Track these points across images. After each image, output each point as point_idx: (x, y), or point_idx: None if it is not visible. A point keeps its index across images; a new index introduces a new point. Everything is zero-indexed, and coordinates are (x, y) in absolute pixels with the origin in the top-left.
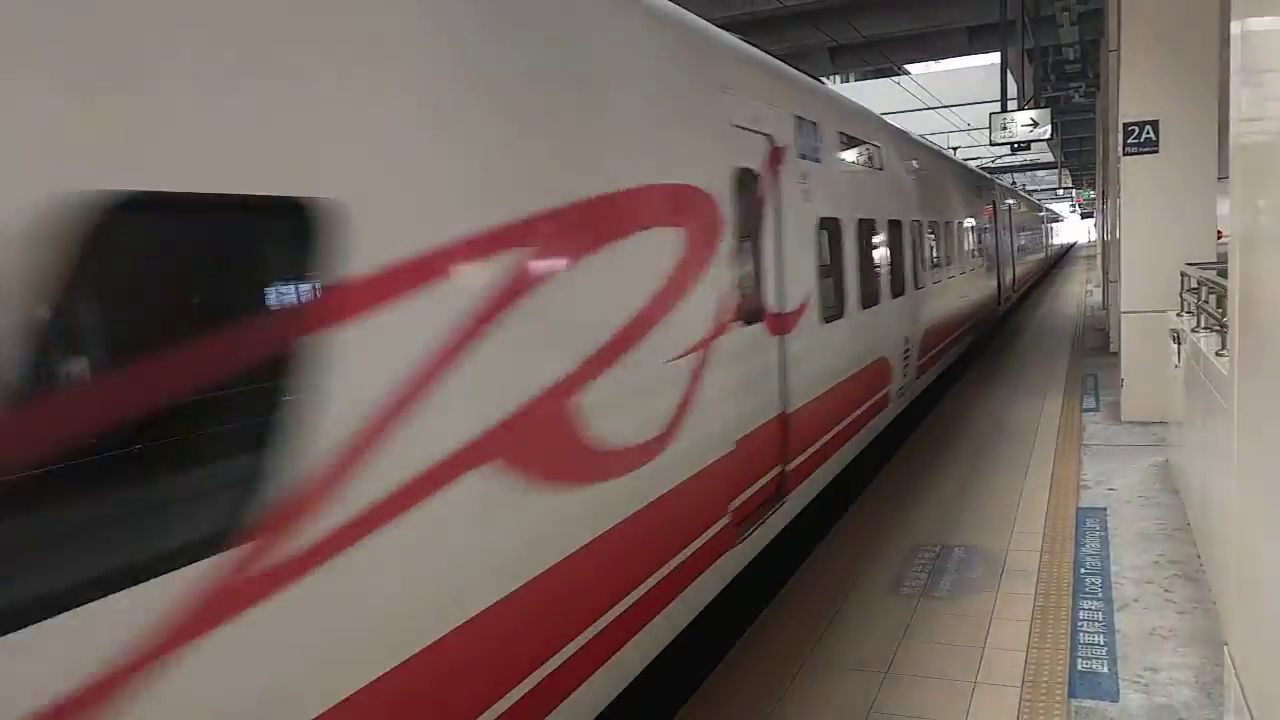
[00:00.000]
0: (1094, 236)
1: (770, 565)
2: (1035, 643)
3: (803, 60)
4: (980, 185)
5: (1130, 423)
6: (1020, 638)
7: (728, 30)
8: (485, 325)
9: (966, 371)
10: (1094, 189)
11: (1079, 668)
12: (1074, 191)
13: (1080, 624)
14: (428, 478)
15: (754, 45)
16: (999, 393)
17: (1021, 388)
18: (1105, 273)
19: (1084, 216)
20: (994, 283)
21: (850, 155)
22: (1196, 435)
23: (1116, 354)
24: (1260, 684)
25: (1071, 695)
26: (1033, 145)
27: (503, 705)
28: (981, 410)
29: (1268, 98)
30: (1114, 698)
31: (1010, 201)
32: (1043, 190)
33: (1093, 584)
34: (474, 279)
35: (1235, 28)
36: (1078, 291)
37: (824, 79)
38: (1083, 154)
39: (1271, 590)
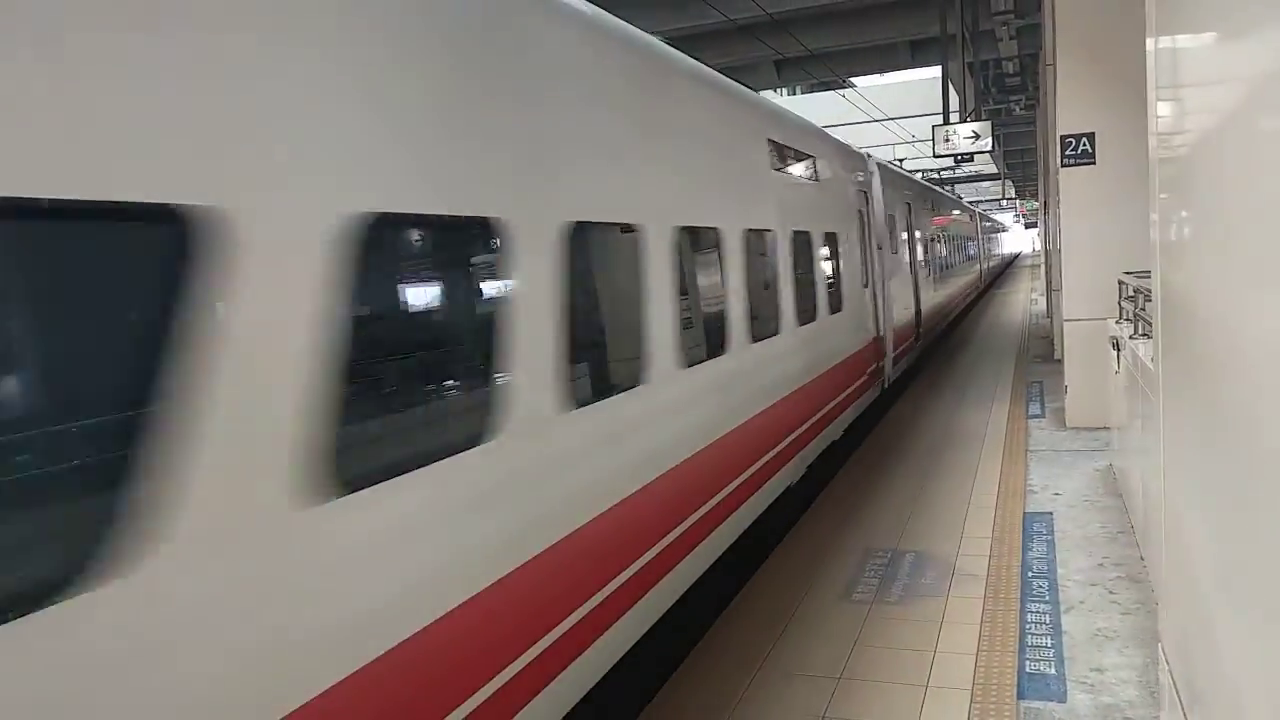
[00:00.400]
0: (1038, 246)
1: (724, 571)
2: (985, 646)
3: (749, 74)
4: (843, 167)
5: (1074, 429)
6: (970, 641)
7: (674, 44)
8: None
9: (915, 380)
10: (1036, 199)
11: (1027, 670)
12: (1017, 202)
13: (1028, 627)
14: None
15: (700, 59)
16: (948, 400)
17: (970, 395)
18: (1049, 282)
19: (1028, 226)
20: (869, 332)
21: None
22: (1136, 439)
23: (1060, 361)
24: (1189, 677)
25: (1020, 697)
26: (975, 157)
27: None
28: (931, 417)
29: (1183, 112)
30: (1061, 698)
31: (907, 197)
32: (987, 201)
33: (1040, 587)
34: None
35: (1150, 44)
36: (1023, 300)
37: (770, 92)
38: (1025, 165)
39: (1196, 585)
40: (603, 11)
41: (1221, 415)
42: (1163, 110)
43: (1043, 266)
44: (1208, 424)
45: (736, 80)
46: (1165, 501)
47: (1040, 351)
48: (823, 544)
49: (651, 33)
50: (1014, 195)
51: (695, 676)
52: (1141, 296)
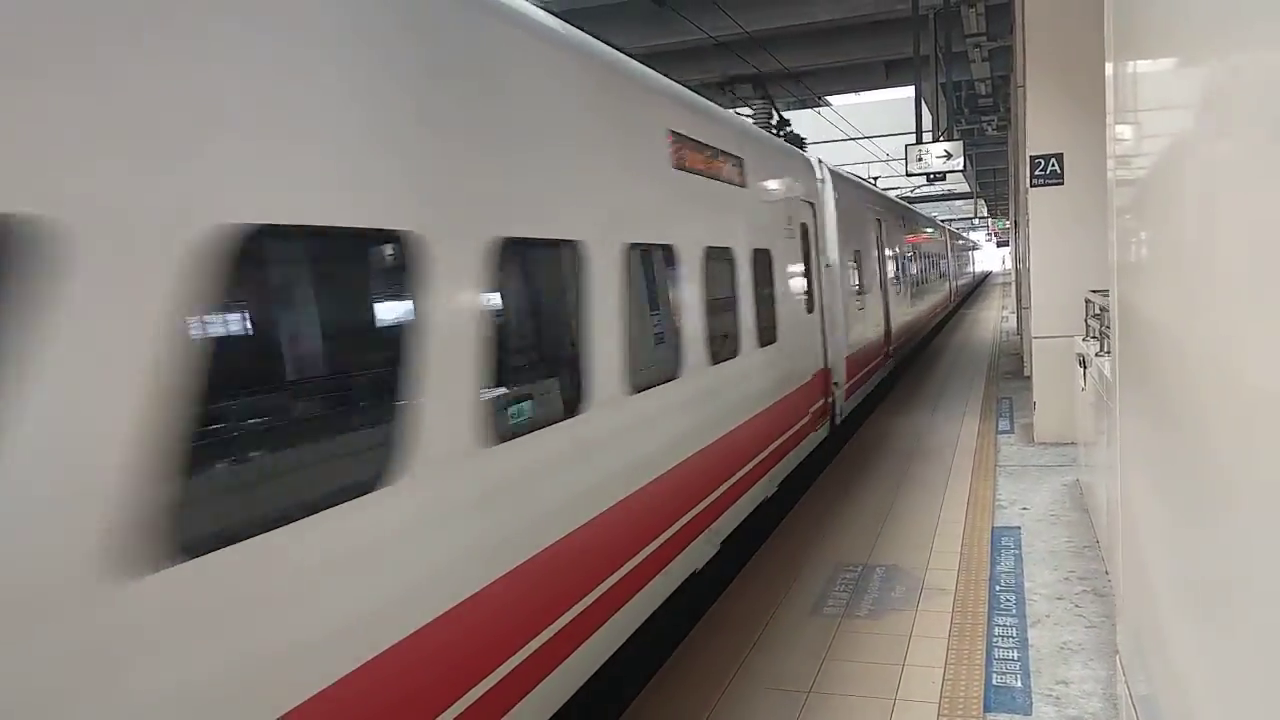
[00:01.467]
0: (1009, 265)
1: (696, 587)
2: (953, 659)
3: (727, 91)
4: (782, 172)
5: (1043, 444)
6: (938, 655)
7: (652, 60)
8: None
9: (888, 396)
10: (1008, 218)
11: (994, 683)
12: (989, 220)
13: (995, 640)
14: None
15: (679, 76)
16: (919, 415)
17: (940, 410)
18: (1019, 299)
19: (1000, 245)
20: (813, 365)
21: None
22: (1102, 455)
23: (1030, 378)
24: (1145, 690)
25: (987, 710)
26: (948, 176)
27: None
28: (902, 432)
29: (1139, 135)
30: (1027, 711)
31: (876, 212)
32: (960, 219)
33: (1007, 601)
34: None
35: (1109, 69)
36: (994, 317)
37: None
38: (997, 184)
39: (1151, 597)
40: None
41: (1174, 432)
42: (1121, 133)
43: (1013, 284)
44: (1162, 440)
45: (712, 98)
46: (1122, 515)
47: (1010, 368)
48: (794, 558)
49: (630, 49)
50: (986, 214)
51: (666, 691)
52: (1107, 315)
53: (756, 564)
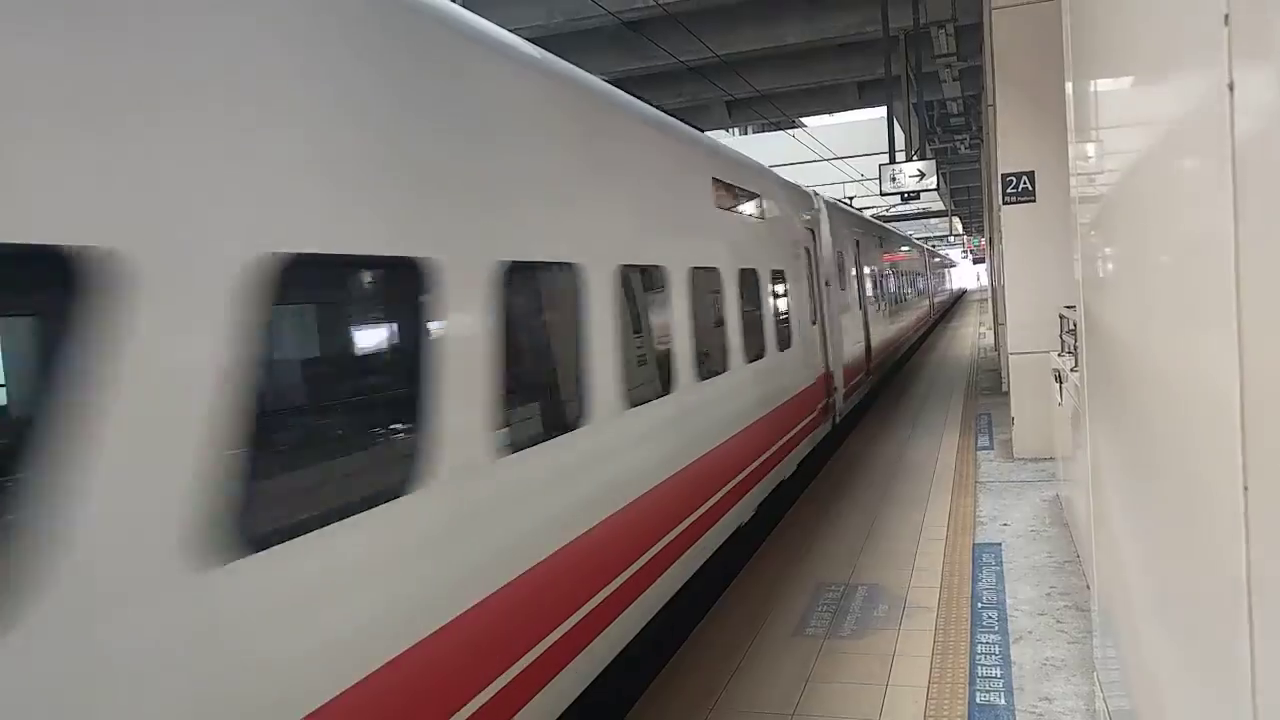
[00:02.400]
0: (985, 281)
1: (678, 609)
2: (936, 678)
3: (701, 114)
4: (790, 205)
5: (1022, 459)
6: (922, 674)
7: (624, 85)
8: None
9: (867, 414)
10: (983, 235)
11: (978, 700)
12: (965, 238)
13: (978, 658)
14: None
15: (652, 100)
16: (899, 433)
17: (920, 427)
18: (995, 315)
19: (976, 261)
20: (818, 368)
21: None
22: (1080, 469)
23: (1008, 394)
24: (1120, 702)
25: None
26: (923, 195)
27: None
28: (882, 450)
29: (1100, 153)
30: None
31: (856, 234)
32: (936, 237)
33: (989, 618)
34: None
35: (1068, 88)
36: (971, 334)
37: (722, 132)
38: (971, 202)
39: (1123, 607)
40: (550, 55)
41: (1141, 444)
42: (1081, 151)
43: (990, 301)
44: (1130, 453)
45: (688, 121)
46: (1095, 527)
47: (989, 384)
48: (775, 580)
49: (602, 74)
50: (961, 231)
51: (647, 716)
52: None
53: (738, 586)
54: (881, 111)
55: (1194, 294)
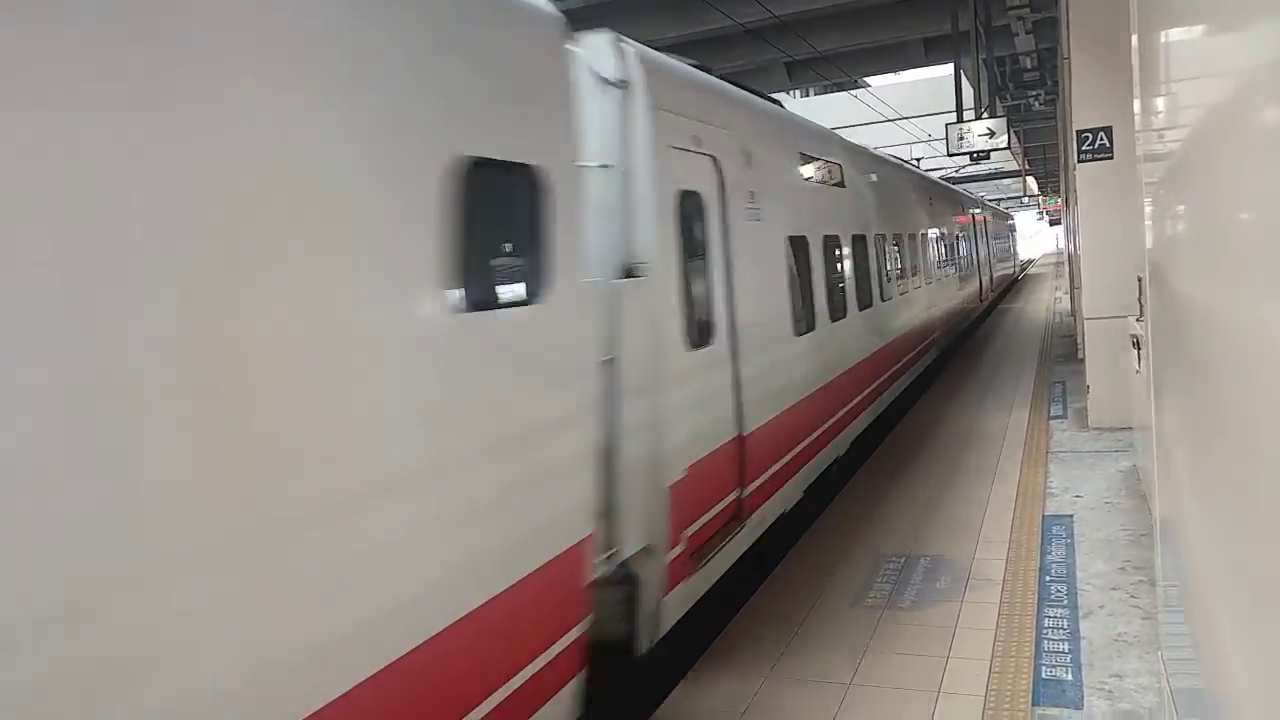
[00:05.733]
0: (1063, 244)
1: (734, 580)
2: (1000, 652)
3: (759, 77)
4: None
5: (1097, 429)
6: (984, 647)
7: (681, 50)
8: None
9: (933, 381)
10: (1059, 195)
11: (1043, 675)
12: (1040, 198)
13: (1045, 632)
14: None
15: (709, 65)
16: (967, 402)
17: (990, 396)
18: (1071, 279)
19: (1053, 224)
20: None
21: None
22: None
23: (1084, 361)
24: (1185, 686)
25: (1035, 703)
26: (993, 155)
27: None
28: (949, 420)
29: (1171, 108)
30: (1078, 705)
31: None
32: (1008, 199)
33: (1058, 591)
34: None
35: (1134, 40)
36: (1047, 299)
37: (783, 95)
38: (1047, 161)
39: (1191, 589)
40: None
41: (1213, 415)
42: (1150, 105)
43: (1066, 264)
44: (1200, 424)
45: (747, 85)
46: (1160, 500)
47: (1063, 351)
48: (834, 550)
49: (657, 40)
50: (1036, 192)
51: (705, 681)
52: None
53: (797, 555)
54: (947, 69)
55: (1268, 253)
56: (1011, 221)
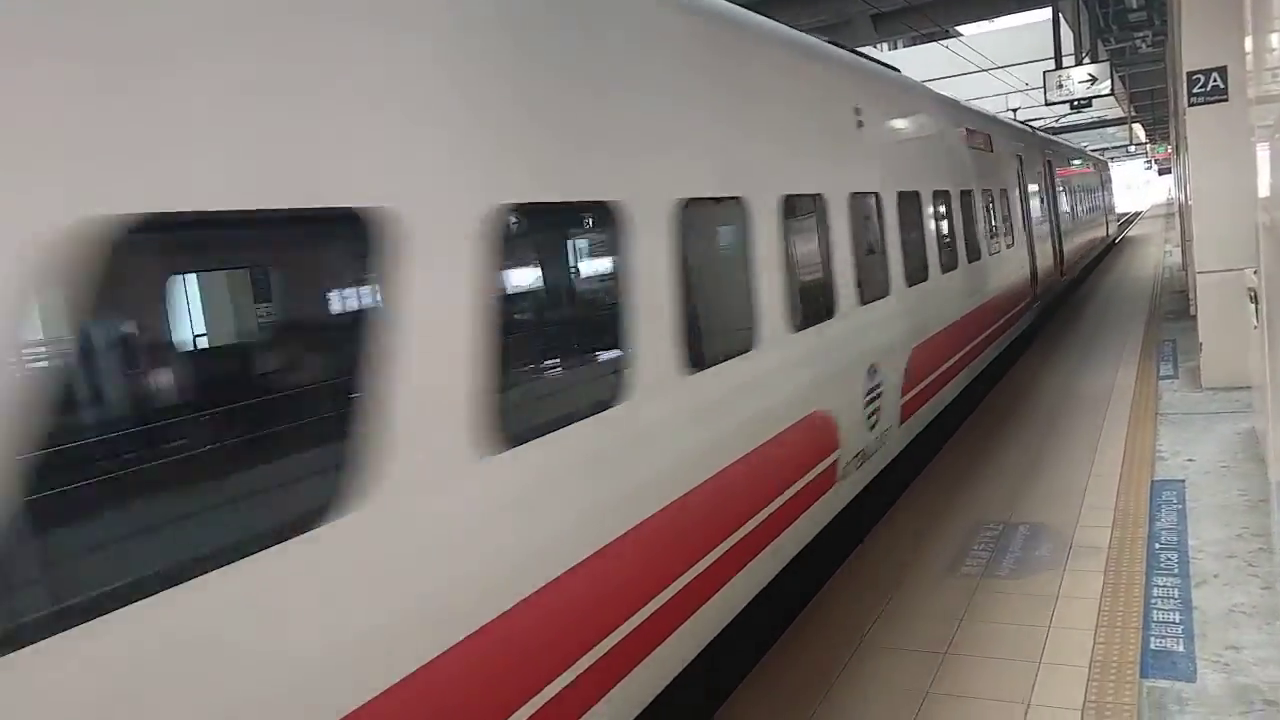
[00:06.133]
0: (1174, 195)
1: (826, 545)
2: (1105, 621)
3: (843, 31)
4: None
5: (1211, 389)
6: (1089, 617)
7: (764, 9)
8: None
9: (1038, 335)
10: (1168, 143)
11: (1152, 646)
12: (1148, 147)
13: (1154, 601)
14: None
15: (791, 20)
16: (1070, 361)
17: (1094, 355)
18: (1183, 231)
19: (1162, 173)
20: None
21: None
22: None
23: (1196, 317)
24: None
25: (1143, 675)
26: (1095, 102)
27: None
28: (1051, 380)
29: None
30: (1190, 678)
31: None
32: (1114, 148)
33: (1168, 560)
34: None
35: None
36: (1155, 253)
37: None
38: (1155, 107)
39: None
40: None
41: None
42: (1262, 44)
43: (1176, 215)
44: None
45: (832, 39)
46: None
47: (1174, 307)
48: (930, 516)
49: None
50: (1144, 140)
51: (796, 648)
52: None
53: (890, 520)
54: (1045, 14)
55: None
56: (1091, 168)
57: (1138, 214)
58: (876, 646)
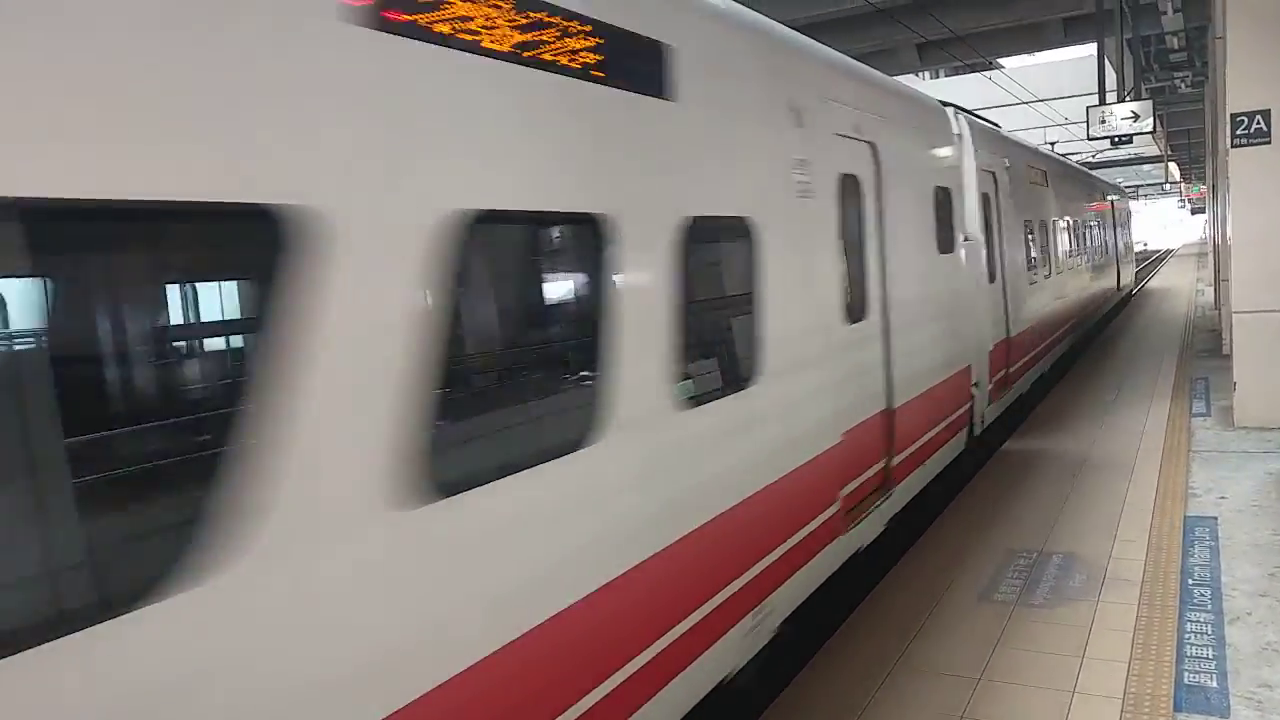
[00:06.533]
0: (1208, 234)
1: (857, 568)
2: (1139, 654)
3: (889, 58)
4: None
5: (1244, 428)
6: (1122, 649)
7: (811, 31)
8: None
9: (1067, 372)
10: (1204, 183)
11: (1185, 681)
12: (1182, 186)
13: (1187, 636)
14: None
15: (838, 46)
16: (1102, 395)
17: (1126, 390)
18: (1217, 270)
19: (1194, 212)
20: None
21: None
22: None
23: (1229, 356)
24: None
25: (1177, 709)
26: (1135, 138)
27: None
28: (1083, 412)
29: None
30: (1224, 713)
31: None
32: (1148, 185)
33: (1201, 595)
34: None
35: None
36: (1186, 289)
37: (911, 76)
38: (1192, 146)
39: None
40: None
41: None
42: None
43: (1210, 254)
44: None
45: (876, 66)
46: None
47: (1207, 346)
48: (963, 543)
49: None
50: (1178, 179)
51: (827, 672)
52: None
53: (922, 547)
54: (1085, 50)
55: None
56: (1109, 197)
57: (1168, 252)
58: (912, 669)
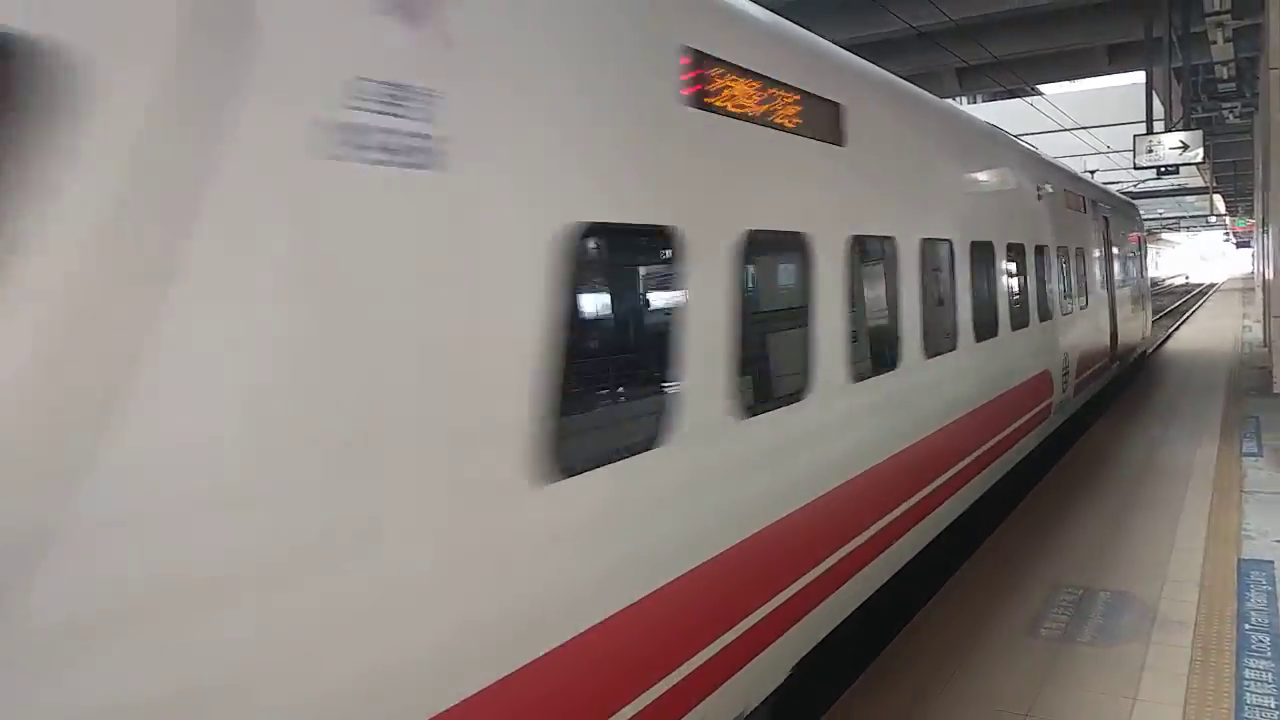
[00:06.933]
0: (1256, 268)
1: (895, 598)
2: (1194, 699)
3: (928, 82)
4: None
5: None
6: (1177, 692)
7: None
8: None
9: (1112, 406)
10: (1251, 216)
11: None
12: (1227, 218)
13: (1246, 684)
14: None
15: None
16: (1148, 432)
17: (1172, 428)
18: (1267, 308)
19: (1239, 245)
20: None
21: None
22: None
23: None
24: None
25: None
26: (1181, 169)
27: None
28: (1129, 449)
29: None
30: None
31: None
32: (1191, 217)
33: (1260, 641)
34: None
35: None
36: (1233, 326)
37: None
38: (1238, 179)
39: None
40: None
41: None
42: None
43: (1258, 289)
44: None
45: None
46: None
47: (1257, 384)
48: (1006, 576)
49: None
50: (1223, 212)
51: (865, 700)
52: None
53: (960, 582)
54: (1128, 78)
55: None
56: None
57: (1211, 286)
58: (957, 700)
